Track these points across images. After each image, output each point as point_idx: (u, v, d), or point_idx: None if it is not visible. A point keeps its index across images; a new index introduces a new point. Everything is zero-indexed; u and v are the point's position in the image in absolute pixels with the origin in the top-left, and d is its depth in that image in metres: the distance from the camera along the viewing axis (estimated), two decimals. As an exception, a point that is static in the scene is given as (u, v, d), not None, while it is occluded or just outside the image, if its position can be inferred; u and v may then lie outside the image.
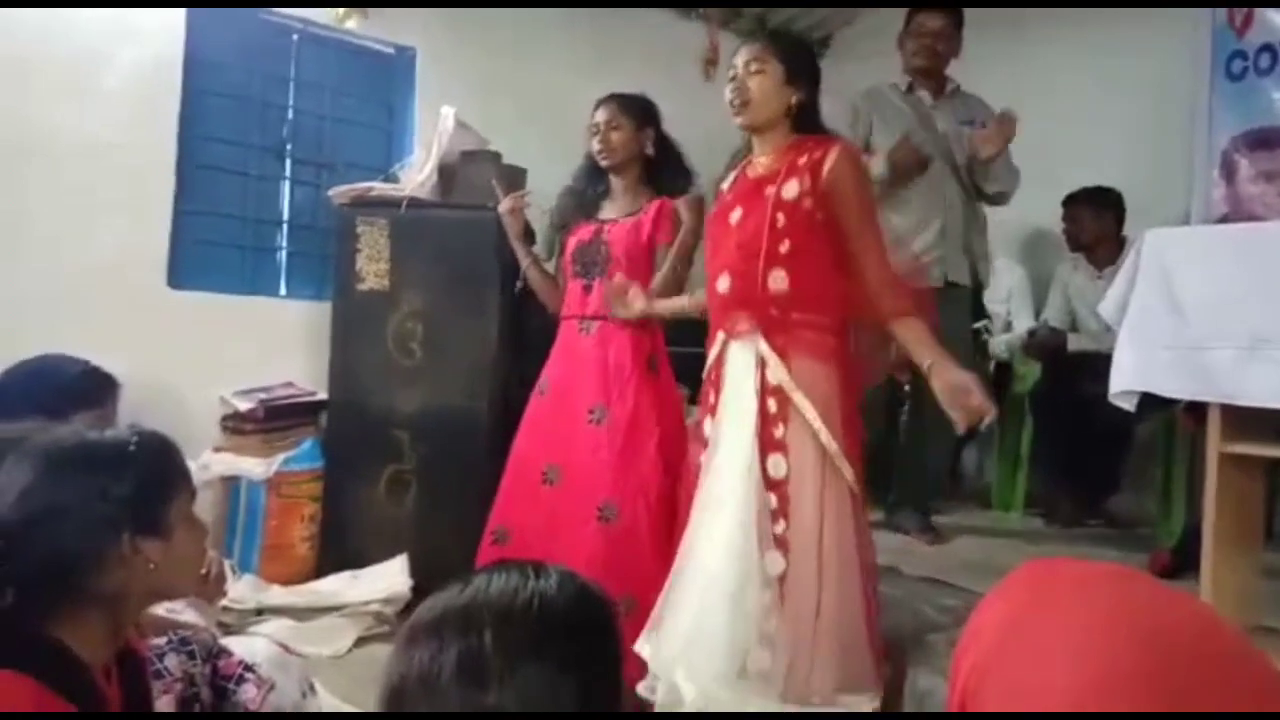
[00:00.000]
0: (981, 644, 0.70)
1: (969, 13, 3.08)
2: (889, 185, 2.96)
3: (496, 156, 3.34)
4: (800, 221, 1.86)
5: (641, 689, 1.87)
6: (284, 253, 3.61)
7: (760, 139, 2.00)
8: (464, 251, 3.13)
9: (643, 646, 1.86)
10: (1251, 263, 1.75)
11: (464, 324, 3.11)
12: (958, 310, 2.94)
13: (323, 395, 3.24)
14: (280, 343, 3.39)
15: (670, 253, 2.45)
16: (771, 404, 1.85)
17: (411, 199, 3.17)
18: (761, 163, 1.99)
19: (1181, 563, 2.51)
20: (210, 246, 3.40)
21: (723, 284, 1.96)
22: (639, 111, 2.54)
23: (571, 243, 2.58)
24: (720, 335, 1.99)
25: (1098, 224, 3.53)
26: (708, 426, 1.99)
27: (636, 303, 2.36)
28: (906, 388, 3.57)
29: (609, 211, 2.57)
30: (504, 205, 2.79)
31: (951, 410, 1.76)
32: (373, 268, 3.15)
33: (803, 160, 1.89)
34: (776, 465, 1.83)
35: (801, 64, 1.98)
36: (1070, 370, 3.34)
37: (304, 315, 3.44)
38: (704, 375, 2.06)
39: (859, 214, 1.89)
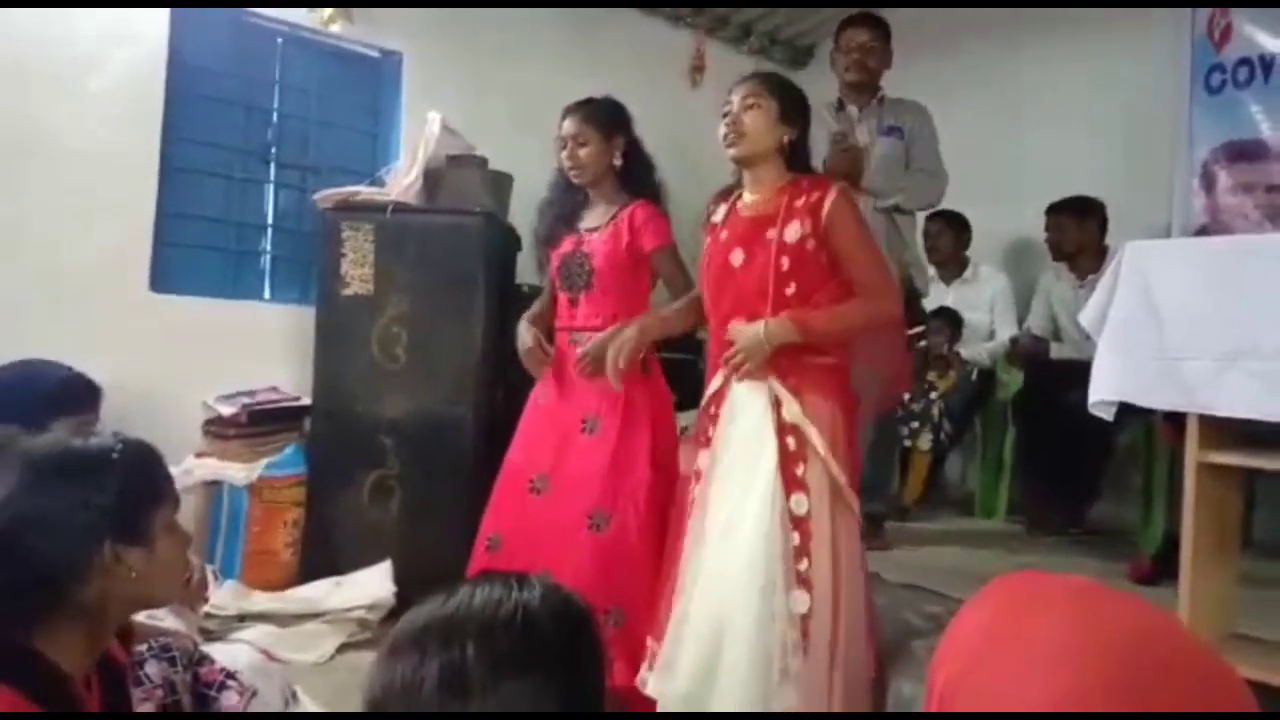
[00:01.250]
0: (956, 655, 0.71)
1: (957, 24, 3.11)
2: None
3: (483, 162, 3.34)
4: (805, 263, 1.93)
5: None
6: (268, 257, 3.60)
7: (752, 173, 2.05)
8: (449, 256, 3.13)
9: (651, 685, 1.90)
10: (1230, 275, 1.77)
11: (449, 329, 3.10)
12: None
13: (306, 400, 3.22)
14: (264, 347, 3.38)
15: (668, 256, 2.45)
16: (791, 442, 1.90)
17: (397, 204, 3.16)
18: (755, 201, 2.04)
19: (1161, 570, 2.53)
20: (194, 250, 3.38)
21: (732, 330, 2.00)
22: (606, 122, 2.51)
23: (555, 257, 2.57)
24: (722, 372, 2.02)
25: (1080, 233, 3.56)
26: (703, 459, 2.02)
27: (620, 359, 2.28)
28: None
29: (588, 220, 2.56)
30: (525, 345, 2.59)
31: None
32: (357, 272, 3.14)
33: (800, 202, 1.95)
34: (799, 503, 1.87)
35: (795, 103, 2.05)
36: (1052, 378, 3.37)
37: (288, 319, 3.42)
38: (702, 407, 2.09)
39: (858, 245, 1.96)
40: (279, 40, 3.55)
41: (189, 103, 3.30)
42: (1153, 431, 2.94)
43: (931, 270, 3.79)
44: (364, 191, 3.25)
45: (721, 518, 1.93)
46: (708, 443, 2.02)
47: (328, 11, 3.42)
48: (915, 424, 3.66)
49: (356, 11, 3.50)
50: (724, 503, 1.94)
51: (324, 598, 2.80)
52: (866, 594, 1.95)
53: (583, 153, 2.48)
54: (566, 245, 2.55)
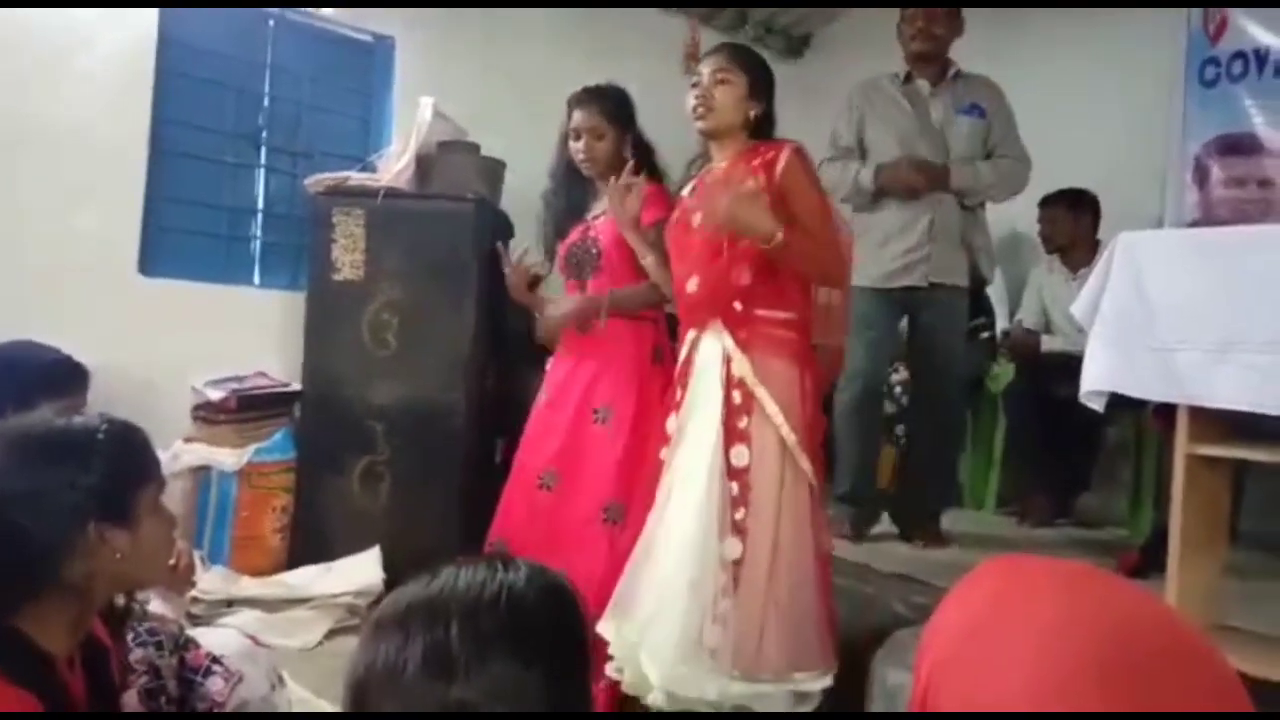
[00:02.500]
0: (944, 640, 0.70)
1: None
2: (873, 198, 2.93)
3: (474, 148, 3.32)
4: None
5: (610, 669, 1.94)
6: (258, 241, 3.58)
7: (718, 145, 2.09)
8: (441, 243, 3.12)
9: (605, 627, 1.92)
10: (1221, 266, 1.77)
11: (440, 315, 3.09)
12: (946, 310, 2.90)
13: (296, 386, 3.21)
14: (254, 332, 3.36)
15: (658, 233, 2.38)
16: (736, 396, 1.92)
17: (388, 189, 3.14)
18: (719, 169, 2.07)
19: (1149, 562, 2.54)
20: (183, 234, 3.35)
21: (691, 285, 2.03)
22: (623, 115, 2.50)
23: (563, 246, 2.55)
24: (690, 334, 2.06)
25: (1073, 226, 3.56)
26: (671, 423, 2.05)
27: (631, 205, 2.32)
28: (898, 388, 3.57)
29: (595, 208, 2.54)
30: (510, 272, 2.63)
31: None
32: (348, 258, 3.13)
33: (756, 161, 1.99)
34: (739, 455, 1.90)
35: (764, 79, 2.09)
36: (1043, 370, 3.37)
37: (278, 305, 3.40)
38: (675, 375, 2.11)
39: (808, 209, 1.97)
40: (270, 23, 3.52)
41: (179, 86, 3.27)
42: (1142, 424, 2.96)
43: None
44: (355, 177, 3.24)
45: (677, 472, 1.98)
46: (677, 407, 2.05)
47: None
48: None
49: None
50: (680, 465, 1.98)
51: (312, 584, 2.80)
52: (818, 554, 1.96)
53: (599, 146, 2.46)
54: (573, 235, 2.53)
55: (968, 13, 3.02)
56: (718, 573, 1.85)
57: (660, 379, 2.42)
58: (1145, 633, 0.64)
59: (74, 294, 2.94)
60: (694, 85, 2.07)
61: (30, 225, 2.91)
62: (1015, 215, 3.85)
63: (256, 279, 3.56)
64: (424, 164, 3.26)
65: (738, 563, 1.86)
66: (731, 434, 1.91)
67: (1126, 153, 3.74)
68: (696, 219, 2.04)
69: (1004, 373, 3.70)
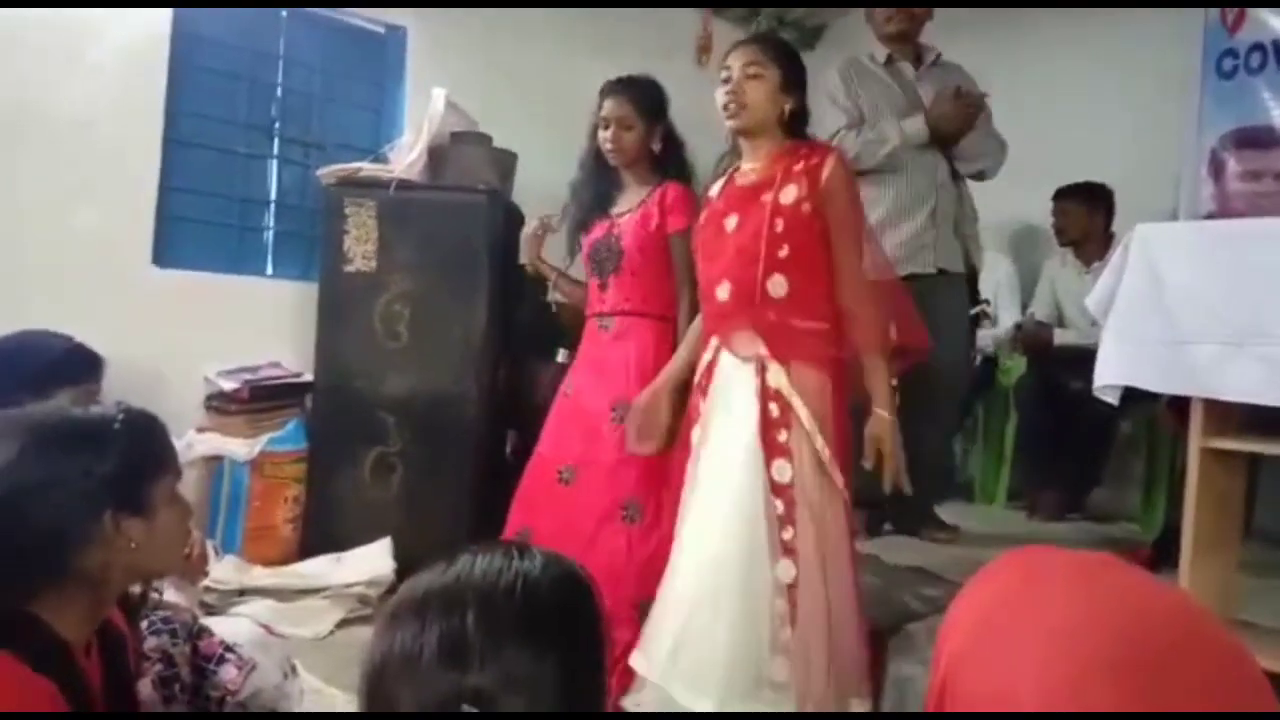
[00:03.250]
0: (961, 632, 0.70)
1: (965, 11, 3.04)
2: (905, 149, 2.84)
3: (487, 139, 3.32)
4: (800, 226, 1.86)
5: (627, 703, 1.85)
6: (271, 232, 3.59)
7: (750, 144, 1.99)
8: (453, 234, 3.12)
9: (638, 661, 1.84)
10: (1237, 259, 1.76)
11: (452, 307, 3.10)
12: (953, 297, 2.86)
13: (308, 376, 3.22)
14: (266, 323, 3.37)
15: (682, 241, 2.37)
16: (774, 409, 1.84)
17: (400, 180, 3.14)
18: (753, 169, 1.98)
19: (1162, 558, 2.53)
20: (196, 225, 3.36)
21: (722, 292, 1.94)
22: (653, 107, 2.47)
23: (587, 242, 2.55)
24: (714, 342, 1.98)
25: (1087, 219, 3.55)
26: (695, 434, 1.96)
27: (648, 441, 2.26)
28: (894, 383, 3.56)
29: (620, 204, 2.53)
30: (529, 228, 2.72)
31: (866, 458, 1.87)
32: (360, 249, 3.13)
33: (799, 166, 1.90)
34: (781, 470, 1.81)
35: (797, 71, 1.99)
36: (1055, 365, 3.37)
37: (290, 295, 3.42)
38: (695, 383, 2.03)
39: (847, 226, 1.90)
40: (283, 14, 3.52)
41: (192, 77, 3.28)
42: (1155, 418, 2.94)
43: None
44: (367, 168, 3.23)
45: (705, 492, 1.88)
46: (698, 417, 1.97)
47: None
48: None
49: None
50: (710, 475, 1.88)
51: (324, 574, 2.81)
52: (854, 571, 1.88)
53: (627, 136, 2.44)
54: (597, 231, 2.52)
55: (980, 11, 3.00)
56: (774, 599, 1.75)
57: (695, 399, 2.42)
58: (1161, 626, 0.63)
59: (87, 284, 2.96)
60: (724, 80, 1.96)
61: (44, 216, 2.92)
62: (1028, 208, 3.84)
63: (269, 269, 3.57)
64: (436, 155, 3.26)
65: (792, 586, 1.76)
66: (772, 448, 1.82)
67: (1142, 146, 3.71)
68: (731, 222, 1.95)
69: (1015, 366, 3.70)
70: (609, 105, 2.46)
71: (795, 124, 1.98)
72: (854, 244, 1.91)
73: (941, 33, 3.09)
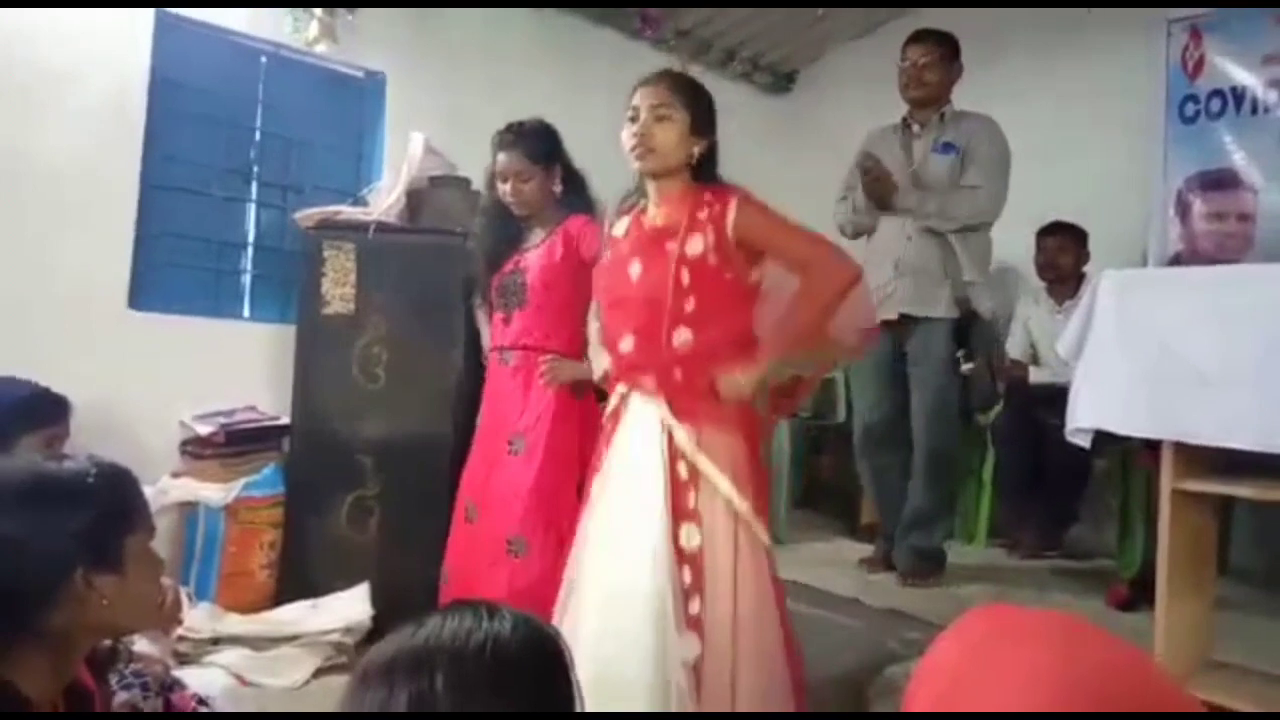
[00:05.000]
0: (926, 692, 0.71)
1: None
2: (867, 212, 3.02)
3: (465, 182, 3.34)
4: (706, 279, 1.80)
5: None
6: (248, 275, 3.58)
7: (657, 185, 1.92)
8: (431, 277, 3.12)
9: None
10: (1206, 304, 1.80)
11: (430, 350, 3.09)
12: (926, 344, 2.92)
13: (285, 420, 3.19)
14: (243, 366, 3.35)
15: None
16: (682, 470, 1.76)
17: (379, 223, 3.15)
18: (659, 213, 1.91)
19: (1139, 596, 2.55)
20: (173, 268, 3.35)
21: (626, 344, 1.88)
22: (545, 152, 2.50)
23: (496, 279, 2.59)
24: (620, 389, 1.91)
25: (1072, 256, 3.61)
26: (596, 486, 1.89)
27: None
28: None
29: (527, 241, 2.58)
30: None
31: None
32: (338, 291, 3.13)
33: (703, 214, 1.83)
34: (690, 535, 1.73)
35: (706, 112, 1.92)
36: (1031, 402, 3.40)
37: (268, 339, 3.40)
38: (601, 428, 1.96)
39: (772, 229, 1.85)
40: (262, 60, 3.55)
41: (170, 120, 3.28)
42: (1130, 456, 2.97)
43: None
44: (346, 211, 3.25)
45: (603, 554, 1.79)
46: (600, 465, 1.89)
47: (312, 32, 3.42)
48: None
49: (341, 31, 3.50)
50: (607, 535, 1.80)
51: (300, 620, 2.76)
52: (784, 634, 1.79)
53: (527, 188, 2.48)
54: (506, 267, 2.57)
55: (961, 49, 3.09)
56: (677, 677, 1.65)
57: (579, 412, 2.44)
58: (1127, 682, 0.65)
59: (63, 328, 2.93)
60: (631, 119, 1.87)
61: (20, 259, 2.90)
62: (1001, 248, 3.89)
63: (247, 312, 3.55)
64: (414, 198, 3.27)
65: (696, 663, 1.67)
66: (680, 513, 1.73)
67: (1110, 188, 3.81)
68: (635, 270, 1.87)
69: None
70: (502, 160, 2.49)
71: (703, 167, 1.91)
72: (787, 230, 1.87)
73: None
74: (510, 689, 0.78)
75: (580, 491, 2.16)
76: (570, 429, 2.41)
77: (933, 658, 0.72)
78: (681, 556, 1.72)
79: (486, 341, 2.75)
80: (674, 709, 1.64)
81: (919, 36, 3.06)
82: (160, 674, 1.76)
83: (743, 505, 1.75)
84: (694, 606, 1.69)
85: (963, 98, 3.15)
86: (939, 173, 2.98)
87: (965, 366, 2.89)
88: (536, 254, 2.51)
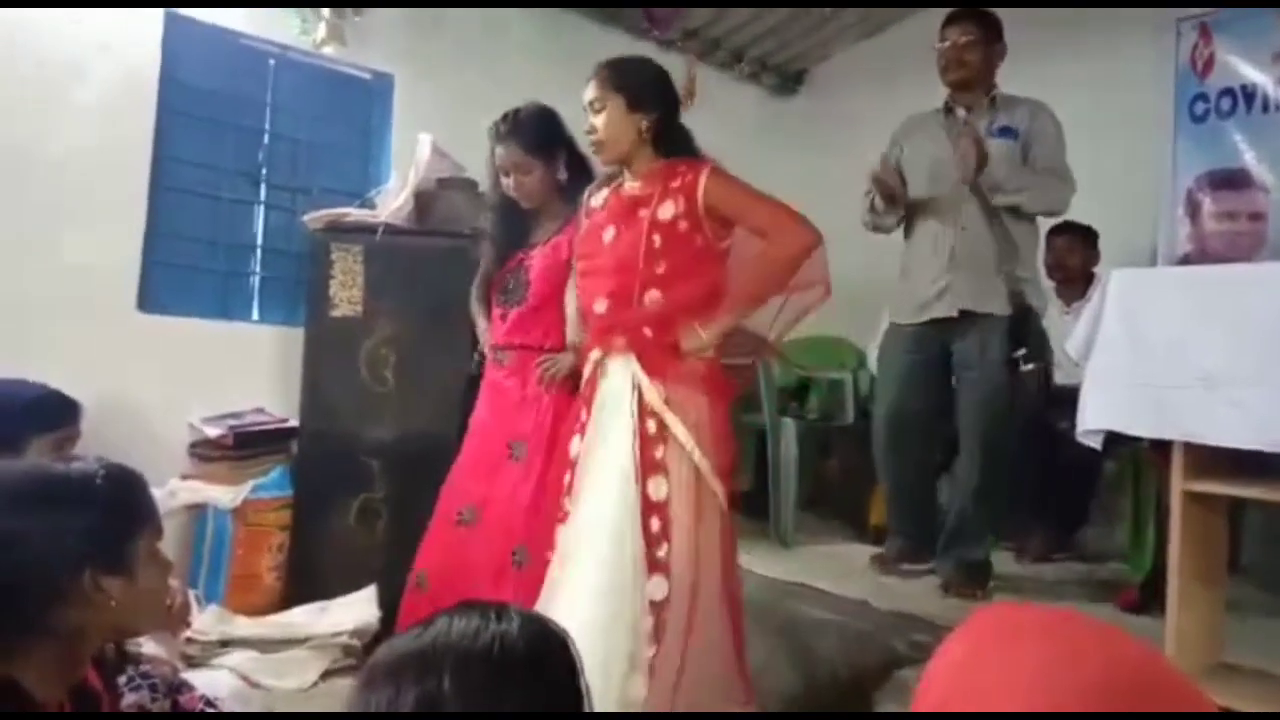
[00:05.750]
0: (939, 685, 0.71)
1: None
2: (886, 212, 2.92)
3: (472, 185, 3.34)
4: (677, 243, 1.89)
5: None
6: (257, 277, 3.59)
7: (629, 168, 2.01)
8: (439, 279, 3.12)
9: None
10: (1213, 304, 1.79)
11: (438, 352, 3.09)
12: (981, 342, 2.77)
13: (294, 422, 3.20)
14: (252, 368, 3.36)
15: None
16: (650, 425, 1.85)
17: (387, 225, 3.16)
18: (634, 186, 1.99)
19: (1150, 598, 2.53)
20: (182, 270, 3.36)
21: (600, 306, 1.97)
22: (545, 143, 2.41)
23: (499, 275, 2.53)
24: (595, 353, 1.99)
25: (1081, 257, 3.58)
26: (575, 446, 1.97)
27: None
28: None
29: (536, 236, 2.51)
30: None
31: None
32: (346, 294, 3.14)
33: (676, 183, 1.92)
34: (658, 487, 1.83)
35: (643, 87, 1.98)
36: (1040, 404, 3.37)
37: (276, 341, 3.41)
38: (579, 393, 2.06)
39: (739, 197, 1.92)
40: (271, 62, 3.56)
41: (180, 122, 3.30)
42: (1141, 457, 2.95)
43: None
44: (354, 213, 3.25)
45: (587, 504, 1.87)
46: (581, 430, 1.97)
47: (320, 34, 3.43)
48: None
49: (349, 33, 3.51)
50: (586, 495, 1.88)
51: (308, 623, 2.77)
52: (731, 583, 1.90)
53: (529, 180, 2.41)
54: (511, 263, 2.51)
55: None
56: (642, 616, 1.76)
57: (577, 411, 2.37)
58: (1134, 678, 0.65)
59: (72, 329, 2.94)
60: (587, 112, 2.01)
61: (29, 260, 2.91)
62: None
63: (255, 315, 3.56)
64: (422, 200, 3.28)
65: (662, 603, 1.78)
66: (648, 465, 1.83)
67: (1120, 187, 3.77)
68: (609, 234, 1.97)
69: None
70: (500, 153, 2.42)
71: (664, 139, 1.97)
72: (755, 200, 1.93)
73: (923, 77, 3.14)
74: (518, 689, 0.78)
75: None
76: (570, 430, 2.37)
77: (941, 658, 0.71)
78: (650, 506, 1.82)
79: (483, 338, 2.67)
80: (632, 652, 1.73)
81: (957, 17, 2.92)
82: (168, 676, 1.76)
83: (703, 462, 1.85)
84: (661, 551, 1.80)
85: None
86: (1000, 158, 2.78)
87: (1026, 367, 2.71)
88: (541, 251, 2.45)
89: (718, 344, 1.93)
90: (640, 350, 1.89)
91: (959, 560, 2.84)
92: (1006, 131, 2.84)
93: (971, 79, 2.90)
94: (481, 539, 2.33)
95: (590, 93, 1.98)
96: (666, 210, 1.89)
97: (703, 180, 1.90)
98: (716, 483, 1.86)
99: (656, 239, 1.88)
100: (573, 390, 2.38)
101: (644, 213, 1.90)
